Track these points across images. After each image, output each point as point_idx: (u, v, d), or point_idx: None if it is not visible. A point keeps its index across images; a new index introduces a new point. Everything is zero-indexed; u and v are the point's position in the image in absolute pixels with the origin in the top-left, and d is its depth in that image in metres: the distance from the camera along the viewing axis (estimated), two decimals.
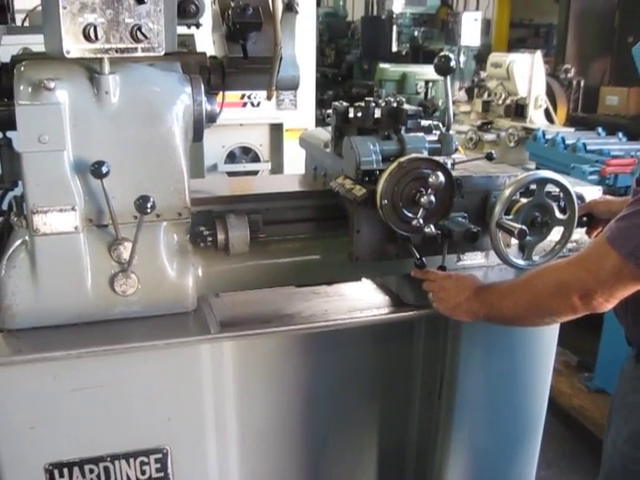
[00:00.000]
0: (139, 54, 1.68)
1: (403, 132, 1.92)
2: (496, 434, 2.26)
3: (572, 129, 5.49)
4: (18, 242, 1.77)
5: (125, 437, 1.84)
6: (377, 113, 1.93)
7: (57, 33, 1.60)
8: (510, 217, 1.87)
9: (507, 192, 1.83)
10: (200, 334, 1.82)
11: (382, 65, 8.14)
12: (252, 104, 3.79)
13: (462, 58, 8.64)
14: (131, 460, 1.85)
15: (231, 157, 3.98)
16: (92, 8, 1.60)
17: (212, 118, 1.92)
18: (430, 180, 1.73)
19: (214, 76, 2.02)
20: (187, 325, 1.83)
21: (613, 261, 1.55)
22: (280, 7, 1.88)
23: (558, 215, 1.92)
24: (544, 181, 1.85)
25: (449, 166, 1.88)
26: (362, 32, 11.62)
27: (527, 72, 5.85)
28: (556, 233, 1.97)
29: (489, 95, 6.34)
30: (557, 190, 1.94)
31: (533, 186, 1.90)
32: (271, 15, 1.89)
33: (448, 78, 2.00)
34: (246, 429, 2.02)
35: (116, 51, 1.65)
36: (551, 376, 2.27)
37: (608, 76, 8.57)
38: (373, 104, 1.91)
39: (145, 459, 1.86)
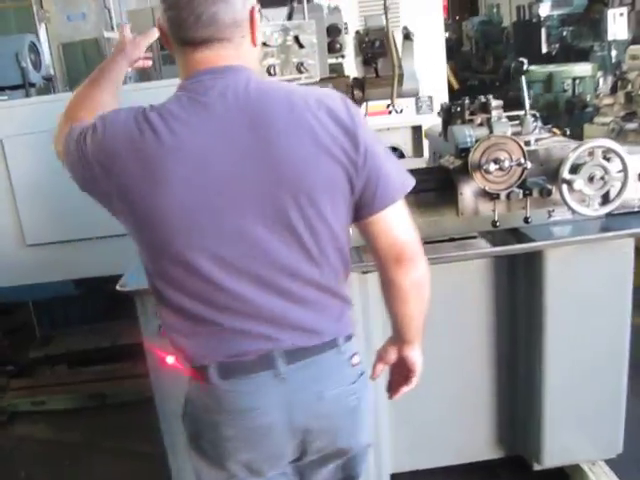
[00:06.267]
0: (302, 81, 2.52)
1: (493, 120, 2.61)
2: (585, 346, 2.76)
3: None
4: None
5: None
6: (471, 108, 2.63)
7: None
8: (575, 175, 2.48)
9: (571, 155, 2.45)
10: None
11: (529, 67, 8.46)
12: (396, 111, 4.51)
13: (613, 52, 8.76)
14: None
15: None
16: (271, 54, 2.48)
17: None
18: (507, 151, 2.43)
19: (357, 91, 2.84)
20: None
21: None
22: (398, 40, 2.66)
23: (613, 173, 2.50)
24: (600, 147, 2.45)
25: (532, 142, 2.55)
26: (514, 37, 12.01)
27: None
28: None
29: (632, 86, 6.62)
30: None
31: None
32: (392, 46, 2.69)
33: (523, 78, 2.66)
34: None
35: (287, 81, 2.51)
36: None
37: None
38: (468, 101, 2.62)
39: None
